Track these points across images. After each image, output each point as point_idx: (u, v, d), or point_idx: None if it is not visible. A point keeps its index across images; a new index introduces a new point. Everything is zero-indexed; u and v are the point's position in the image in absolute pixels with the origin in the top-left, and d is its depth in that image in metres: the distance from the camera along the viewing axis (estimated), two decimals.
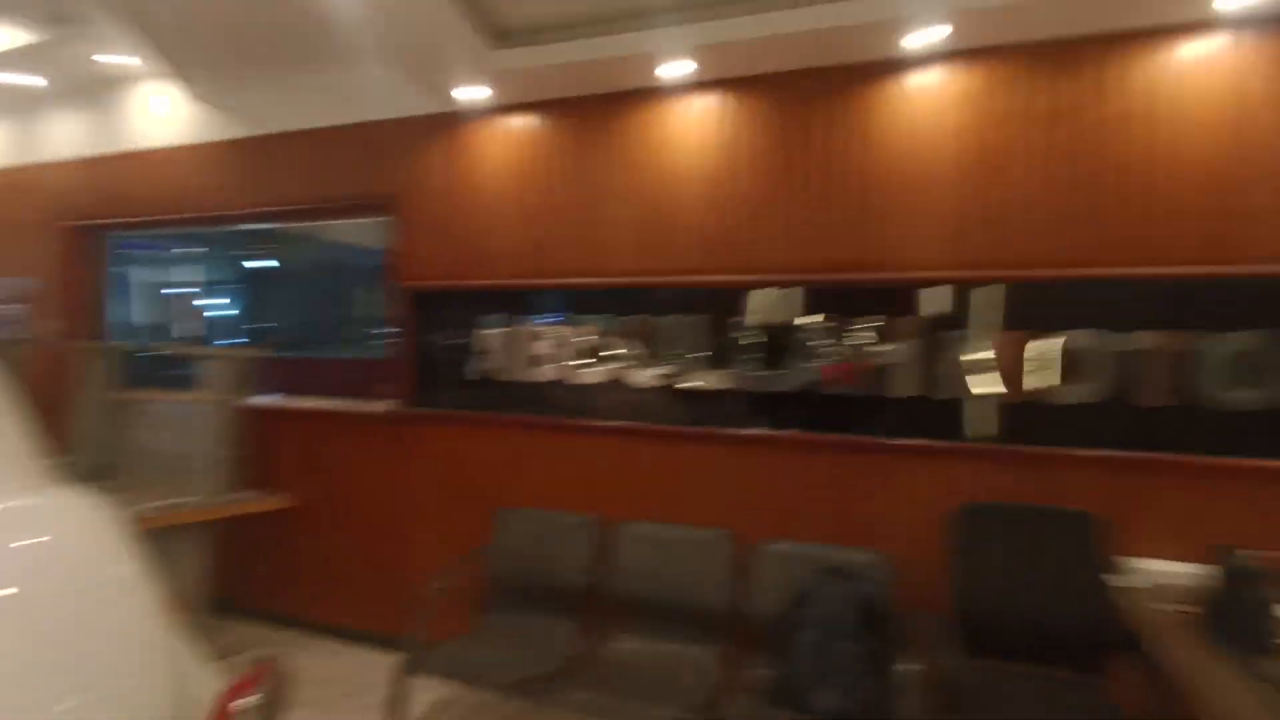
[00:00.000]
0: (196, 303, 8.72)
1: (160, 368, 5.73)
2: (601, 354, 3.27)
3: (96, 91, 4.34)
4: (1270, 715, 1.57)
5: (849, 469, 2.89)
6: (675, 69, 2.97)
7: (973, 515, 2.65)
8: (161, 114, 4.20)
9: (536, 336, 3.39)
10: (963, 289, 2.71)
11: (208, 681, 1.99)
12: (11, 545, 1.82)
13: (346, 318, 8.23)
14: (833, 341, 2.88)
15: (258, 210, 4.01)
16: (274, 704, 2.00)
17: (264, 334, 8.12)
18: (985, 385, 2.69)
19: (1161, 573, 2.38)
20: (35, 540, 1.86)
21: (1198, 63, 2.46)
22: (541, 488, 3.38)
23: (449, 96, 3.36)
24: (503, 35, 3.05)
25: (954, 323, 2.72)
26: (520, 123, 3.40)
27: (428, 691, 3.20)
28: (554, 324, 3.36)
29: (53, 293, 4.52)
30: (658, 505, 3.17)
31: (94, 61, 3.98)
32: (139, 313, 7.06)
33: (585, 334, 3.30)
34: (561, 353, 3.34)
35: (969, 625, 2.52)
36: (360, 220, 4.04)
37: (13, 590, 1.74)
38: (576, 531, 3.20)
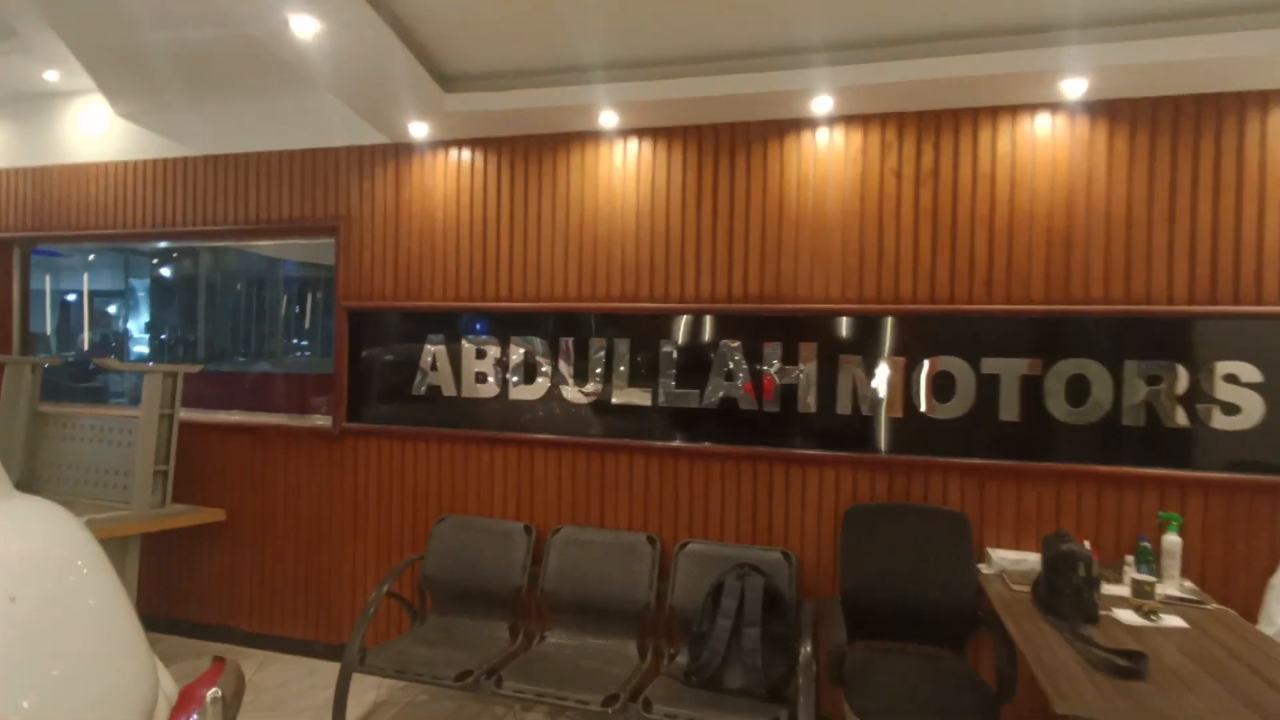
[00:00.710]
0: (108, 311, 8.41)
1: (80, 380, 5.60)
2: (537, 372, 3.54)
3: (27, 103, 4.32)
4: (1080, 665, 1.99)
5: (758, 476, 3.25)
6: (606, 118, 3.30)
7: (856, 515, 3.05)
8: (95, 129, 4.22)
9: (476, 355, 3.62)
10: (856, 320, 3.13)
11: (165, 677, 2.13)
12: None
13: (272, 330, 8.15)
14: (745, 363, 3.25)
15: (195, 229, 4.09)
16: (234, 694, 2.16)
17: (184, 345, 7.93)
18: (876, 403, 3.11)
19: (1013, 560, 2.83)
20: (3, 545, 1.98)
21: (1042, 136, 2.97)
22: (478, 497, 3.60)
23: (398, 128, 3.58)
24: (452, 80, 3.30)
25: (850, 348, 3.14)
26: (466, 156, 3.65)
27: (369, 692, 3.36)
28: (493, 344, 3.60)
29: None
30: (587, 511, 3.45)
31: (26, 73, 3.98)
32: (42, 322, 6.84)
33: (522, 354, 3.56)
34: (499, 371, 3.59)
35: (854, 611, 2.91)
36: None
37: None
38: (510, 537, 3.44)
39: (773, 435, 3.22)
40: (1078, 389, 2.92)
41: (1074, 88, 2.81)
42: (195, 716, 2.01)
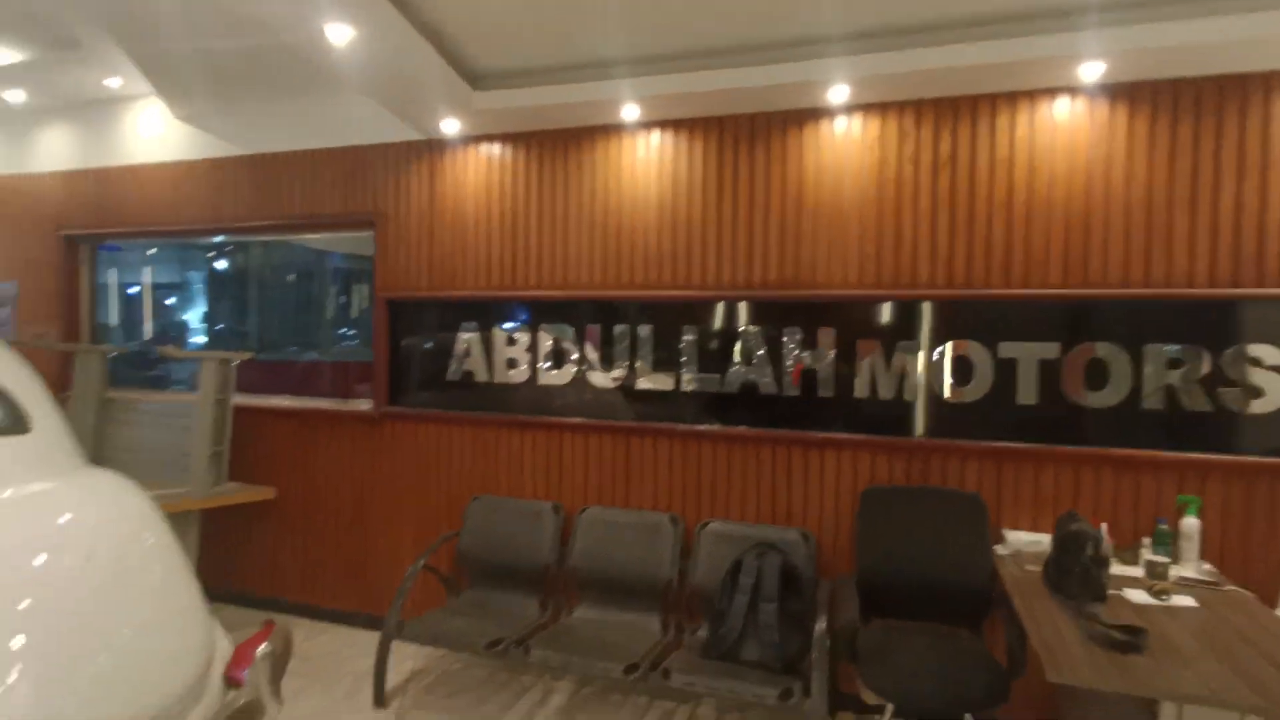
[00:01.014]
0: (166, 303, 8.85)
1: (142, 367, 5.96)
2: (565, 358, 3.68)
3: (91, 108, 4.61)
4: (1080, 639, 2.04)
5: (777, 459, 3.34)
6: (628, 111, 3.40)
7: (872, 497, 3.12)
8: (153, 131, 4.48)
9: (507, 342, 3.78)
10: (874, 306, 3.18)
11: (221, 636, 2.34)
12: (49, 520, 2.15)
13: (319, 321, 8.49)
14: (765, 348, 3.33)
15: (245, 224, 4.32)
16: (283, 653, 2.36)
17: (236, 335, 8.31)
18: (894, 387, 3.17)
19: (1028, 541, 2.87)
20: (72, 514, 2.19)
21: (1061, 121, 2.97)
22: (509, 478, 3.76)
23: (430, 126, 3.73)
24: (480, 78, 3.44)
25: (868, 333, 3.20)
26: (495, 151, 3.80)
27: (407, 661, 3.56)
28: (523, 331, 3.75)
29: (43, 297, 4.76)
30: (613, 492, 3.58)
31: (91, 81, 4.25)
32: (107, 314, 7.25)
33: (550, 340, 3.70)
34: (530, 357, 3.74)
35: (869, 590, 2.99)
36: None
37: (50, 558, 2.07)
38: (540, 516, 3.59)
39: (792, 418, 3.30)
40: (1097, 373, 2.93)
41: (1092, 71, 2.81)
42: (248, 670, 2.21)
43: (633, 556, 3.38)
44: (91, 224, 4.66)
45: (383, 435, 4.01)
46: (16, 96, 4.42)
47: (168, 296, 8.86)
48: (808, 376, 3.28)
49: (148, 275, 8.93)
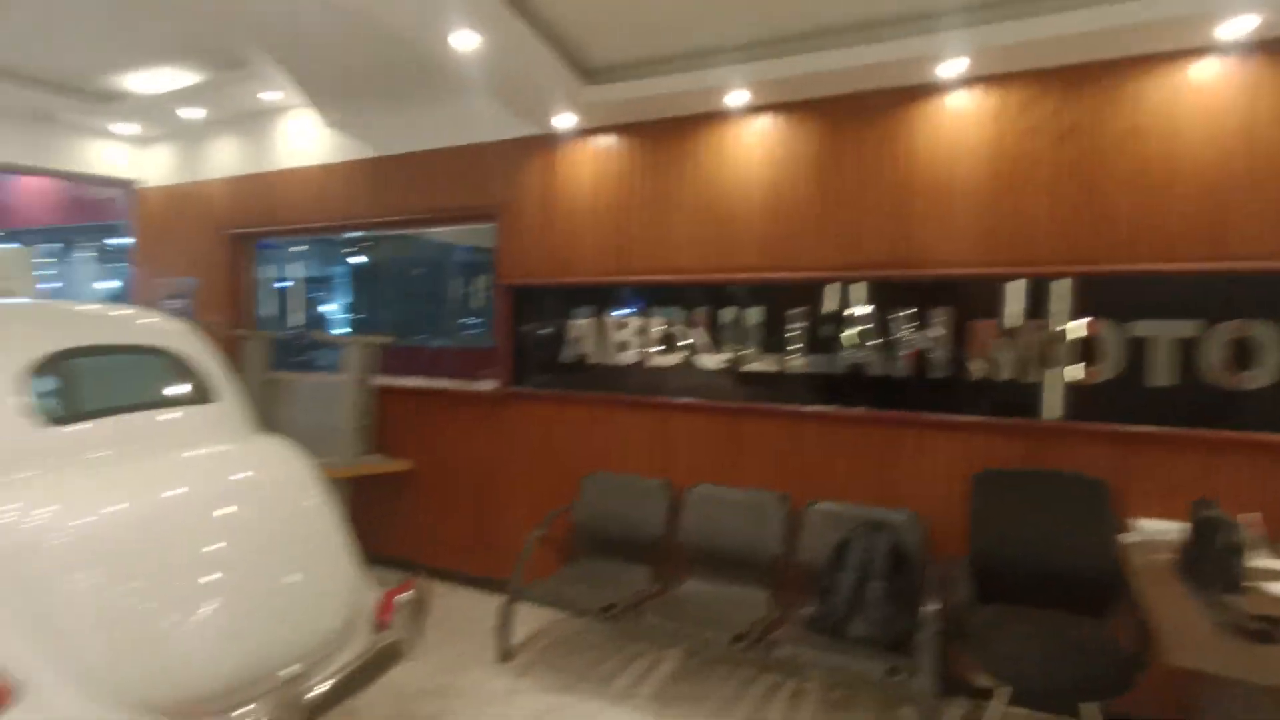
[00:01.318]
0: (311, 295, 9.74)
1: (293, 352, 6.61)
2: (674, 341, 3.80)
3: (252, 119, 5.16)
4: (1208, 626, 1.96)
5: (886, 440, 3.32)
6: (734, 97, 3.46)
7: (988, 480, 3.05)
8: (302, 139, 4.97)
9: (618, 326, 3.95)
10: (990, 283, 3.10)
11: (369, 586, 2.64)
12: (233, 477, 2.49)
13: (443, 309, 9.09)
14: (874, 328, 3.32)
15: (380, 219, 4.72)
16: (422, 603, 2.63)
17: (372, 323, 9.03)
18: (1011, 368, 3.08)
19: (1157, 530, 2.73)
20: (251, 472, 2.54)
21: (1198, 83, 2.77)
22: (620, 454, 3.94)
23: (544, 122, 3.95)
24: (593, 73, 3.61)
25: (983, 312, 3.12)
26: (605, 143, 3.96)
27: (527, 624, 3.82)
28: (633, 315, 3.91)
29: (214, 290, 5.39)
30: (721, 471, 3.68)
31: (251, 95, 4.77)
32: (264, 305, 8.08)
33: (660, 324, 3.83)
34: (640, 340, 3.89)
35: (984, 574, 2.93)
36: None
37: (235, 509, 2.40)
38: (650, 492, 3.75)
39: (903, 400, 3.28)
40: (1245, 352, 2.73)
41: (1236, 28, 2.61)
42: (393, 615, 2.49)
43: (740, 532, 3.47)
44: (251, 223, 5.22)
45: (505, 414, 4.30)
46: (196, 114, 5.02)
47: (312, 289, 9.74)
48: (919, 357, 3.24)
49: (297, 270, 9.84)
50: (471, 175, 4.37)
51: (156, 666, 1.96)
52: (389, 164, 4.65)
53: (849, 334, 3.38)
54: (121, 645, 1.93)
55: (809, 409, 3.47)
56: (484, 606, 4.06)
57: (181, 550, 2.15)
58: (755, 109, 3.56)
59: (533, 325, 4.22)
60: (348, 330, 8.23)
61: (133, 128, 5.40)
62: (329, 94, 4.20)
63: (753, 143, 3.58)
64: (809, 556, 3.30)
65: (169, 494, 2.26)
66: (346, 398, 4.21)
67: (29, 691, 1.78)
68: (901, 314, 3.27)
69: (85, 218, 10.87)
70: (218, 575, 2.16)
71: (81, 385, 2.55)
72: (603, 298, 3.99)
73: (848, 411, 3.39)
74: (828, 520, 3.33)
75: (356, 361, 4.24)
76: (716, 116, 3.66)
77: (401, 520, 4.68)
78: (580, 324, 4.04)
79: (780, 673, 3.39)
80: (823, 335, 3.44)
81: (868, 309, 3.34)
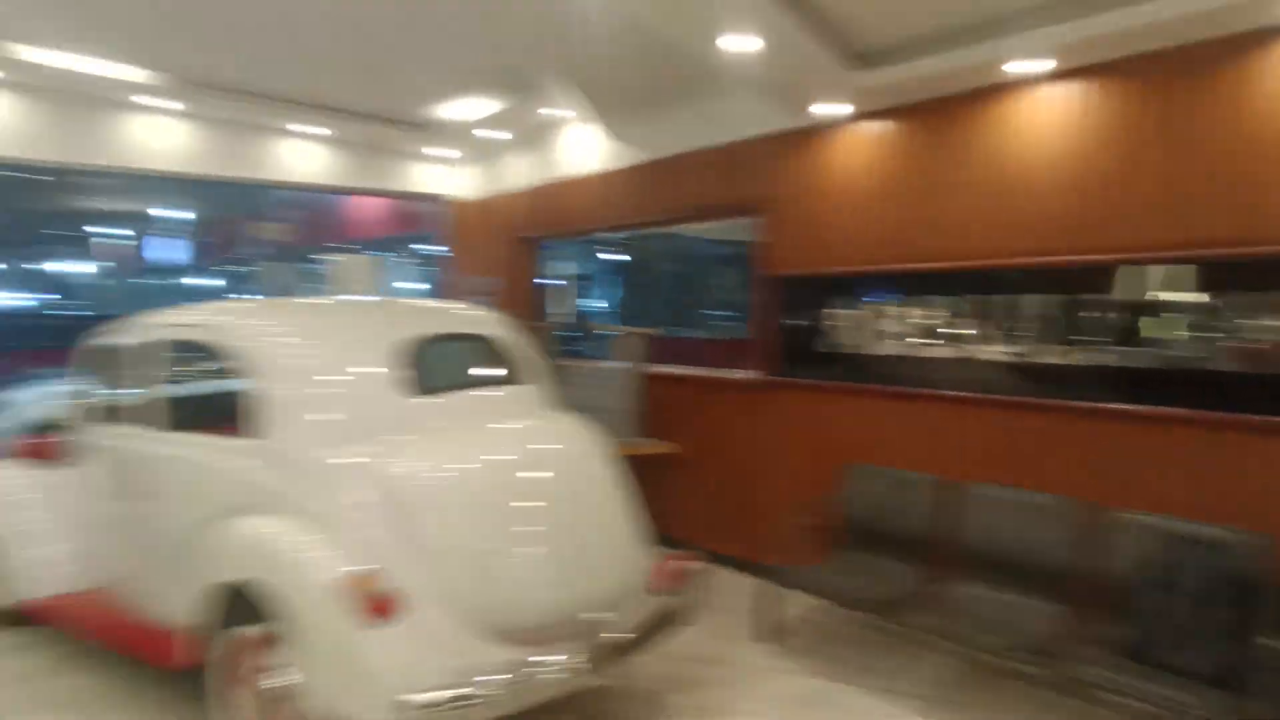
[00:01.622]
0: (578, 289, 10.74)
1: (567, 342, 7.34)
2: (944, 330, 3.63)
3: (538, 135, 5.83)
4: None
5: (1217, 445, 2.87)
6: (1029, 65, 3.19)
7: None
8: (581, 149, 5.51)
9: (883, 315, 3.86)
10: None
11: (650, 554, 2.90)
12: (546, 447, 2.89)
13: (692, 301, 9.52)
14: (1196, 317, 2.88)
15: (646, 218, 5.08)
16: (708, 574, 2.84)
17: (626, 317, 9.72)
18: None
19: None
20: (560, 444, 2.92)
21: None
22: (883, 448, 3.85)
23: (809, 113, 3.97)
24: (862, 57, 3.55)
25: None
26: (871, 128, 3.88)
27: (785, 608, 3.90)
28: (898, 303, 3.79)
29: (509, 288, 6.19)
30: (999, 469, 3.44)
31: (540, 114, 5.39)
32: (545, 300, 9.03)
33: (929, 313, 3.68)
34: (906, 329, 3.77)
35: None
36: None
37: (550, 474, 2.78)
38: (919, 488, 3.62)
39: (1238, 399, 2.81)
40: None
41: None
42: (680, 583, 2.72)
43: (1024, 537, 3.22)
44: (539, 229, 5.90)
45: (765, 402, 4.41)
46: (502, 136, 5.80)
47: (580, 284, 10.74)
48: (1259, 351, 2.75)
49: (563, 268, 10.89)
50: (734, 171, 4.53)
51: (498, 596, 2.37)
52: (656, 167, 4.98)
53: (1163, 321, 2.97)
54: (472, 575, 2.36)
55: (1110, 406, 3.11)
56: (739, 586, 4.21)
57: (512, 504, 2.56)
58: (1052, 76, 3.26)
59: (793, 315, 4.27)
60: (608, 321, 8.95)
61: (445, 151, 6.38)
62: (612, 107, 4.62)
63: (1046, 113, 3.28)
64: (1106, 570, 2.97)
65: (500, 458, 2.70)
66: (621, 383, 4.62)
67: (411, 606, 2.26)
68: (1231, 298, 2.80)
69: (400, 229, 13.04)
70: (540, 527, 2.55)
71: (428, 366, 3.11)
72: (867, 286, 3.92)
73: (1160, 410, 2.98)
74: (1135, 532, 2.96)
75: (629, 350, 4.63)
76: (1002, 89, 3.40)
77: (664, 499, 5.00)
78: (843, 313, 4.02)
79: (1064, 692, 3.09)
80: (1125, 323, 3.06)
81: (1192, 293, 2.91)
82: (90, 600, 3.27)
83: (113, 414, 3.29)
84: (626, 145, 5.11)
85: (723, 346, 5.06)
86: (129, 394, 3.21)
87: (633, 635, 2.46)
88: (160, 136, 5.50)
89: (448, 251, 7.17)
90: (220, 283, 21.61)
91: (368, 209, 13.17)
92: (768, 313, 4.38)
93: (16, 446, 4.07)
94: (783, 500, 4.30)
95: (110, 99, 5.18)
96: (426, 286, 11.38)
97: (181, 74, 4.86)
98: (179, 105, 5.39)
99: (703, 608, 2.97)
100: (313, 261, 16.57)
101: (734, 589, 4.25)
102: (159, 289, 22.29)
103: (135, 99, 5.22)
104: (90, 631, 3.23)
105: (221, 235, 20.06)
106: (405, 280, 13.50)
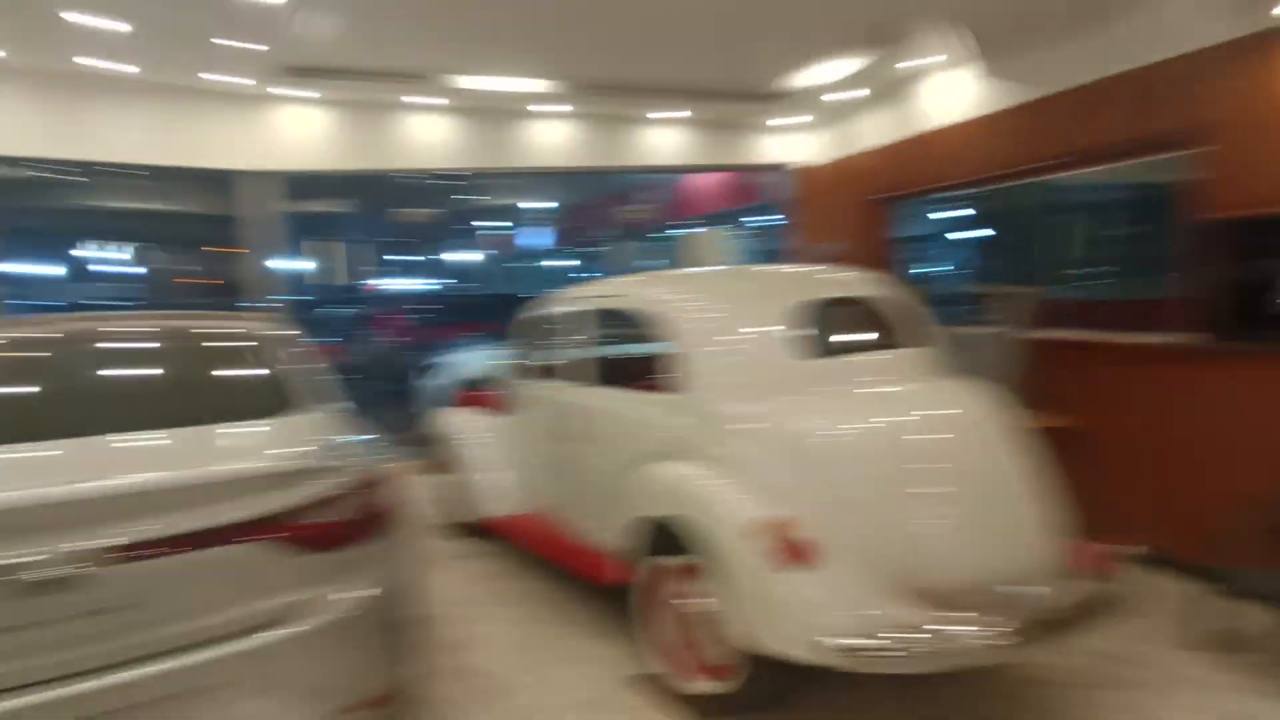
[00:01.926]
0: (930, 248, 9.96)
1: (937, 304, 6.95)
2: None
3: (893, 90, 5.55)
4: None
5: None
6: None
7: None
8: (942, 99, 5.11)
9: None
10: None
11: (1065, 530, 2.64)
12: (945, 411, 2.78)
13: (1072, 258, 8.26)
14: None
15: (1027, 167, 4.54)
16: (1131, 565, 2.51)
17: (1005, 274, 8.82)
18: None
19: None
20: (960, 409, 2.80)
21: None
22: None
23: (1271, 14, 3.17)
24: None
25: None
26: None
27: (1231, 615, 3.26)
28: None
29: (860, 250, 6.05)
30: None
31: (897, 70, 5.12)
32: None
33: None
34: None
35: None
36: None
37: (952, 436, 2.68)
38: None
39: None
40: None
41: None
42: (1115, 569, 2.45)
43: None
44: (893, 188, 5.66)
45: (1203, 370, 3.68)
46: (856, 96, 5.68)
47: (916, 246, 10.06)
48: None
49: (907, 227, 10.29)
50: (1153, 99, 3.81)
51: (912, 554, 2.37)
52: (1041, 107, 4.42)
53: None
54: (886, 531, 2.39)
55: None
56: (1153, 583, 3.62)
57: (915, 465, 2.53)
58: None
59: (1246, 267, 3.48)
60: (987, 280, 8.20)
61: (792, 119, 6.42)
62: (990, 40, 4.22)
63: None
64: None
65: (897, 419, 2.68)
66: (1006, 349, 4.25)
67: (825, 555, 2.36)
68: None
69: (732, 204, 13.51)
70: (947, 488, 2.48)
71: (822, 329, 3.14)
72: None
73: None
74: None
75: (1014, 313, 4.24)
76: None
77: (1061, 477, 4.47)
78: None
79: None
80: None
81: None
82: (535, 521, 4.00)
83: (548, 372, 3.96)
84: (1006, 85, 4.61)
85: (1117, 307, 4.32)
86: (562, 355, 3.83)
87: (1067, 614, 2.27)
88: (550, 137, 6.44)
89: (784, 220, 7.25)
90: (575, 262, 24.69)
91: (702, 186, 13.89)
92: (1205, 265, 3.63)
93: (461, 398, 5.15)
94: (1224, 489, 3.57)
95: (513, 110, 6.20)
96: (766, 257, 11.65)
97: (572, 80, 5.60)
98: (568, 108, 6.24)
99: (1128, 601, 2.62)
100: (652, 240, 18.06)
101: (1147, 586, 3.68)
102: (526, 270, 26.35)
103: (531, 107, 6.18)
104: (534, 546, 3.97)
105: (580, 220, 22.77)
106: (744, 252, 13.98)
